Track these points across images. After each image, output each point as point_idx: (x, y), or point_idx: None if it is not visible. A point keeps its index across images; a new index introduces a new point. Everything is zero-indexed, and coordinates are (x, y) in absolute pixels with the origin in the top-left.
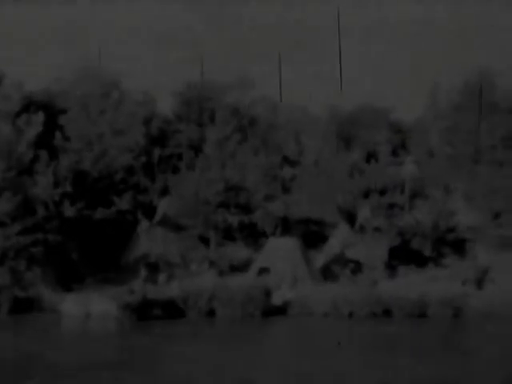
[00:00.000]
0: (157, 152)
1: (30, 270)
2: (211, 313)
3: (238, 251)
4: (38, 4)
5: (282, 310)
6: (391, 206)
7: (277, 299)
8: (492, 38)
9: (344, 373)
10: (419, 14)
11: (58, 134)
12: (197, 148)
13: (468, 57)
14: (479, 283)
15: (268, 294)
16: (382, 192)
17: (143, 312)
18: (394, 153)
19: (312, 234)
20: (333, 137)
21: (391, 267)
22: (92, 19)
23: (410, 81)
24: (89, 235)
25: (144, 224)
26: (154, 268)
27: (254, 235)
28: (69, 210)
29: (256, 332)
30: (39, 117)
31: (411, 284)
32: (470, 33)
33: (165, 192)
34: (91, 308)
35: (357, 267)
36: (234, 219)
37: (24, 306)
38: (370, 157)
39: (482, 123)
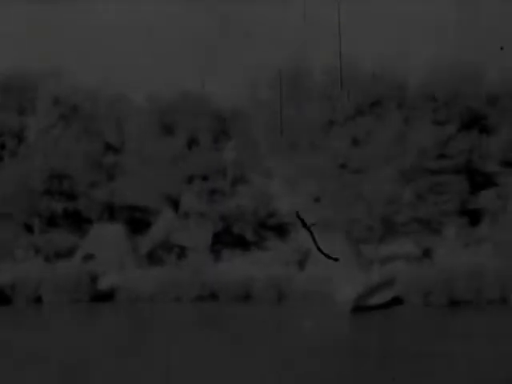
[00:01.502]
0: None
1: None
2: (39, 299)
3: (63, 238)
4: None
5: (109, 296)
6: (214, 191)
7: (103, 285)
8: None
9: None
10: None
11: None
12: (19, 136)
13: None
14: (301, 265)
15: (94, 279)
16: (205, 178)
17: None
18: (216, 139)
19: (137, 221)
20: (155, 124)
21: (216, 251)
22: None
23: (232, 68)
24: None
25: None
26: None
27: (78, 222)
28: None
29: (83, 317)
30: None
31: (236, 267)
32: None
33: None
34: None
35: (182, 252)
36: (58, 206)
37: None
38: (192, 143)
39: (301, 110)
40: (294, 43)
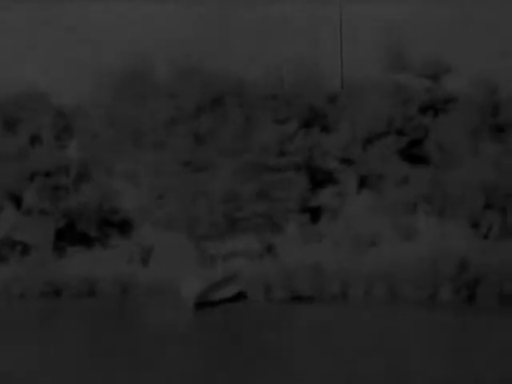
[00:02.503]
0: None
1: None
2: None
3: None
4: None
5: None
6: (57, 188)
7: None
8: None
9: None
10: None
11: None
12: None
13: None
14: (144, 261)
15: None
16: (48, 174)
17: None
18: (59, 136)
19: None
20: None
21: (59, 248)
22: None
23: (76, 66)
24: None
25: None
26: None
27: None
28: None
29: None
30: None
31: (79, 264)
32: None
33: None
34: None
35: (25, 249)
36: None
37: None
38: (35, 140)
39: (142, 108)
40: (139, 42)
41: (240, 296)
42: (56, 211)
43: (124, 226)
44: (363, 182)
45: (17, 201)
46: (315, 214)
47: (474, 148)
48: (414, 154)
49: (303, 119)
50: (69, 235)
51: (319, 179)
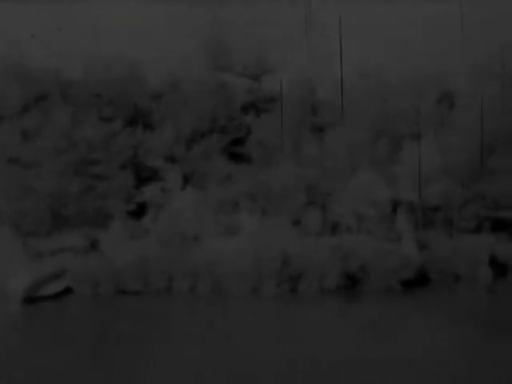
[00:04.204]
0: None
1: None
2: None
3: None
4: None
5: None
6: None
7: None
8: None
9: None
10: None
11: None
12: None
13: None
14: None
15: None
16: None
17: None
18: None
19: None
20: None
21: None
22: None
23: None
24: None
25: None
26: None
27: None
28: None
29: None
30: None
31: None
32: None
33: None
34: None
35: None
36: None
37: None
38: None
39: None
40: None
41: (67, 291)
42: None
43: None
44: (187, 180)
45: None
46: (140, 210)
47: (295, 146)
48: (236, 152)
49: (127, 117)
50: None
51: (144, 176)
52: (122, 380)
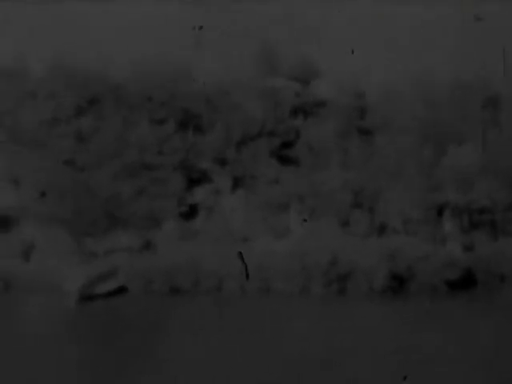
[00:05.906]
0: None
1: None
2: None
3: None
4: None
5: None
6: None
7: None
8: None
9: None
10: None
11: None
12: None
13: None
14: (26, 257)
15: None
16: None
17: None
18: None
19: None
20: None
21: None
22: None
23: None
24: None
25: None
26: None
27: None
28: None
29: None
30: None
31: None
32: None
33: None
34: None
35: None
36: None
37: None
38: None
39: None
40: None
41: (122, 290)
42: None
43: (4, 223)
44: (237, 182)
45: None
46: (191, 211)
47: (343, 149)
48: (285, 155)
49: (178, 120)
50: None
51: (194, 178)
52: (170, 377)
